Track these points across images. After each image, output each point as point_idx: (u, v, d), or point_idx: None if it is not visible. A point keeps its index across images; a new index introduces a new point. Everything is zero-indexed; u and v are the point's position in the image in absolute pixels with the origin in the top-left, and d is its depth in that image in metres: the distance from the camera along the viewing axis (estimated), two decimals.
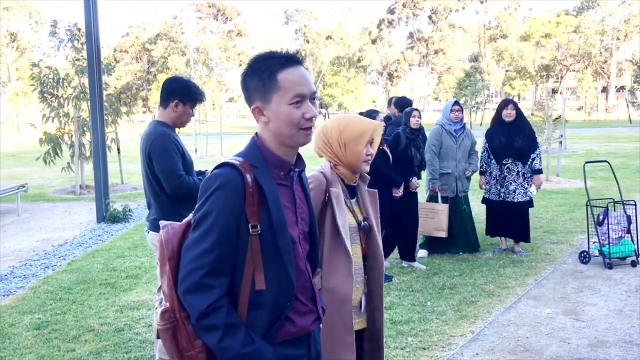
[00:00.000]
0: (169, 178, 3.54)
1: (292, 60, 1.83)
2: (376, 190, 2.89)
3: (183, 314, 1.78)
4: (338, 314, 2.56)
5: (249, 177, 1.77)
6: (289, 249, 1.81)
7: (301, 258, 1.90)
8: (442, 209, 6.59)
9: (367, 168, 2.73)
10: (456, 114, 6.83)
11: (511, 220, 6.85)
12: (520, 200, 6.75)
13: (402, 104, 7.58)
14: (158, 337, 1.84)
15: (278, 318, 1.82)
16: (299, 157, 1.94)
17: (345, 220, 2.64)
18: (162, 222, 1.91)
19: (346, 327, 2.58)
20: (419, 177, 6.54)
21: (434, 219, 6.56)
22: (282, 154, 1.88)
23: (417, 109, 6.58)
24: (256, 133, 1.91)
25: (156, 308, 1.86)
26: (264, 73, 1.81)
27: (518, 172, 6.73)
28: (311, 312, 1.93)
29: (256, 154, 1.85)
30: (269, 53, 1.85)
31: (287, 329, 1.86)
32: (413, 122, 6.37)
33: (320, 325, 2.04)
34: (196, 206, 1.81)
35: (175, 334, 1.79)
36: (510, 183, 6.75)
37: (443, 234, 6.61)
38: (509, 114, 6.76)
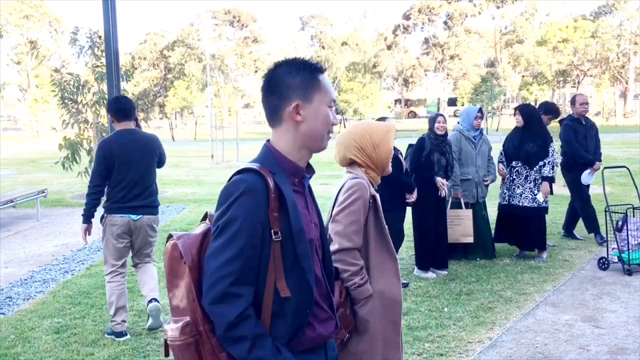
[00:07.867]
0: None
1: (322, 68, 1.90)
2: None
3: (207, 326, 1.70)
4: (387, 315, 2.56)
5: (271, 183, 1.74)
6: (307, 255, 1.78)
7: (317, 265, 1.88)
8: (467, 214, 6.58)
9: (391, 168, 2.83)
10: (478, 121, 6.85)
11: (518, 226, 6.82)
12: (526, 205, 6.71)
13: (547, 108, 7.69)
14: (166, 355, 1.76)
15: (300, 326, 1.78)
16: (309, 164, 1.93)
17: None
18: (175, 233, 1.80)
19: (395, 327, 2.59)
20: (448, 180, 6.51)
21: (460, 225, 6.54)
22: (298, 159, 1.86)
23: (442, 115, 6.61)
24: (268, 140, 1.89)
25: (168, 323, 1.77)
26: (306, 73, 1.83)
27: (526, 176, 6.73)
28: (330, 319, 1.91)
29: (272, 161, 1.82)
30: (301, 58, 1.88)
31: (308, 335, 1.81)
32: (438, 127, 6.36)
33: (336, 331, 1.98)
34: (217, 213, 1.76)
35: (199, 348, 1.71)
36: (517, 187, 6.75)
37: (470, 240, 6.60)
38: (517, 120, 6.95)
